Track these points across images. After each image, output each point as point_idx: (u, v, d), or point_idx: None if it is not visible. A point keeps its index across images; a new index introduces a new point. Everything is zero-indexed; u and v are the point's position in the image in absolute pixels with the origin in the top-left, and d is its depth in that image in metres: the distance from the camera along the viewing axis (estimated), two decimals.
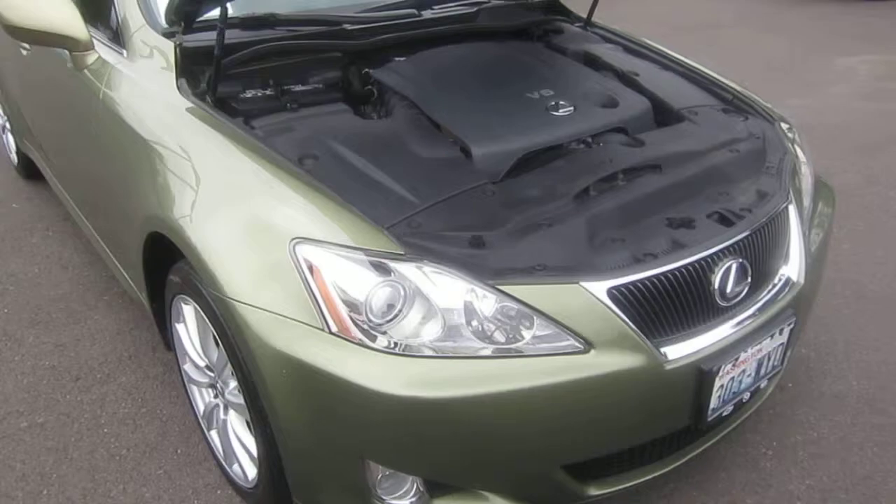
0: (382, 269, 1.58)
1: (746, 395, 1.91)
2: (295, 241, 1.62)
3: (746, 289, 1.85)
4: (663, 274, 1.69)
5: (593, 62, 2.56)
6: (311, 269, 1.59)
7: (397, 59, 2.44)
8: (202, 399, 2.21)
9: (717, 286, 1.77)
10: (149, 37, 2.27)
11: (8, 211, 4.02)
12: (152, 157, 2.03)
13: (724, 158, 2.10)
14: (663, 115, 2.31)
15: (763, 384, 1.96)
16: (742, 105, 2.44)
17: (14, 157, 4.32)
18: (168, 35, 2.21)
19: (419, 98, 2.12)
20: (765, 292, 1.93)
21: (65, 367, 2.75)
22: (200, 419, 2.24)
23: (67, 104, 2.61)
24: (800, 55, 6.87)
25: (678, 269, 1.71)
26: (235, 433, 2.11)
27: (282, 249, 1.62)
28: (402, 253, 1.58)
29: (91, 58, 2.38)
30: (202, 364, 2.12)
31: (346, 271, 1.58)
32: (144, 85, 2.20)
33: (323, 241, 1.61)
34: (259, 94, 2.17)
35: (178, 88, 2.09)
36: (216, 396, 2.14)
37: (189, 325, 2.09)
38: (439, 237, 1.65)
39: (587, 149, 2.09)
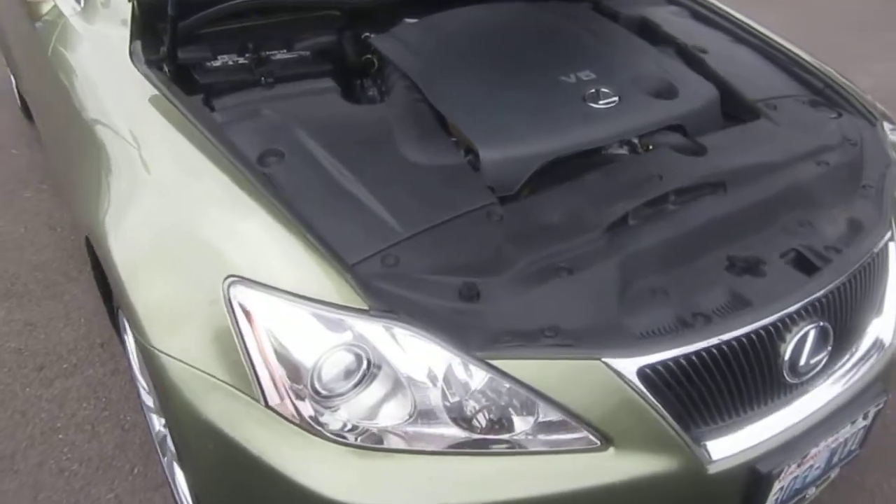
0: (339, 327, 1.20)
1: (812, 490, 1.50)
2: (230, 279, 1.25)
3: (826, 359, 1.42)
4: (716, 346, 1.27)
5: (651, 32, 2.06)
6: (248, 318, 1.22)
7: (408, 20, 2.00)
8: (155, 423, 1.90)
9: (787, 358, 1.35)
10: None
11: (7, 157, 3.74)
12: (93, 139, 1.66)
13: (808, 174, 1.63)
14: (734, 107, 1.83)
15: (834, 473, 1.54)
16: (835, 96, 1.93)
17: (17, 96, 4.03)
18: None
19: (422, 78, 1.68)
20: (848, 359, 1.49)
21: (31, 351, 2.47)
22: (155, 443, 1.94)
23: (28, 58, 2.26)
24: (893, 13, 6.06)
25: (737, 338, 1.29)
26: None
27: (215, 288, 1.25)
28: (367, 308, 1.19)
29: (46, 6, 2.01)
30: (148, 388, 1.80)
31: (292, 326, 1.21)
32: (97, 45, 1.82)
33: (264, 283, 1.23)
34: (230, 63, 1.77)
35: (131, 54, 1.71)
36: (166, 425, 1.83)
37: (131, 345, 1.77)
38: (420, 283, 1.25)
39: (631, 156, 1.64)
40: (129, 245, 1.40)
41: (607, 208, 1.42)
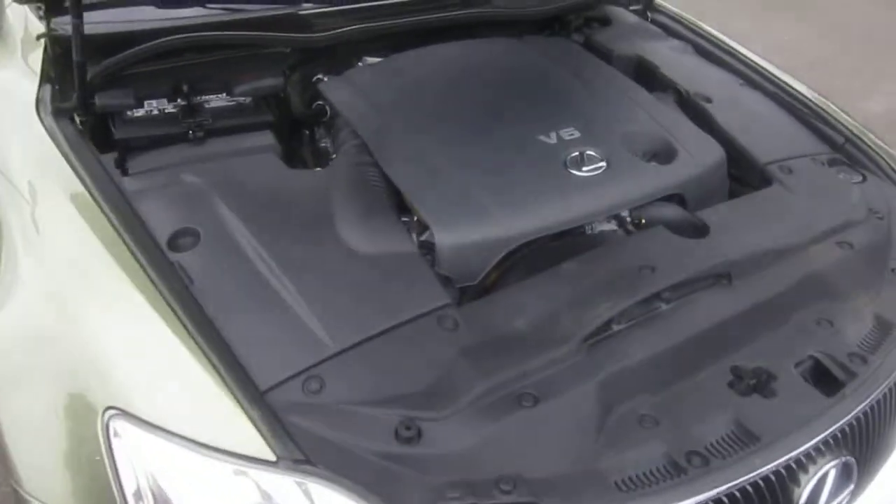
0: (240, 482, 0.95)
1: None
2: (110, 412, 1.00)
3: (847, 500, 1.17)
4: (715, 499, 1.02)
5: (648, 75, 1.81)
6: (128, 463, 0.98)
7: (369, 60, 1.75)
8: None
9: (803, 501, 1.10)
10: (20, 15, 1.63)
11: None
12: None
13: (828, 257, 1.37)
14: (742, 170, 1.58)
15: None
16: (857, 153, 1.68)
17: None
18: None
19: (373, 136, 1.43)
20: (869, 495, 1.24)
21: None
22: None
23: None
24: None
25: (741, 486, 1.04)
26: None
27: (92, 421, 1.01)
28: (275, 459, 0.95)
29: None
30: None
31: (182, 479, 0.96)
32: (5, 87, 1.58)
33: (150, 419, 0.98)
34: (156, 112, 1.52)
35: (38, 102, 1.46)
36: None
37: None
38: (349, 418, 1.00)
39: (618, 239, 1.39)
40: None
41: (586, 311, 1.17)
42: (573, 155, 1.42)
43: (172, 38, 1.51)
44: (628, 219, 1.44)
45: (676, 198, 1.45)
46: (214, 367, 1.01)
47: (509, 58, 1.73)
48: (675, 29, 2.06)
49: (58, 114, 1.45)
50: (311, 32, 1.66)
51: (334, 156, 1.51)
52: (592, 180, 1.38)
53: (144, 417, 0.98)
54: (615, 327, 1.18)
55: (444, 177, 1.34)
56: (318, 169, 1.43)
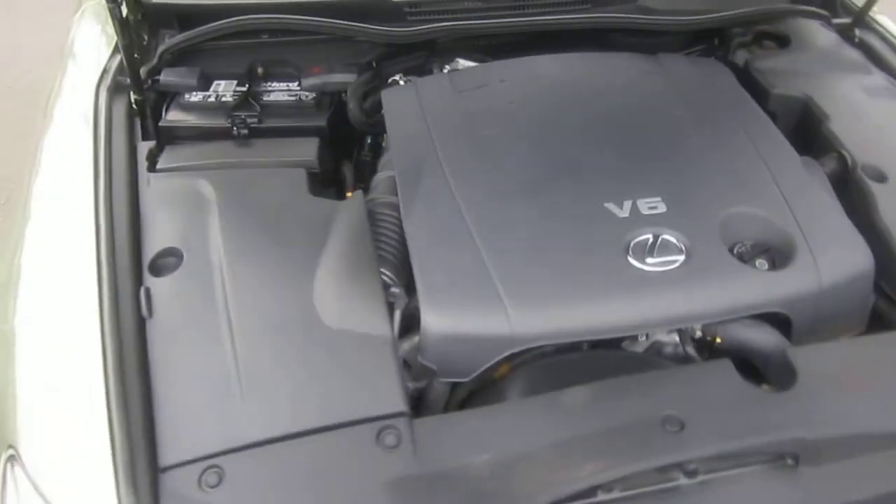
0: None
1: None
2: (9, 451, 0.94)
3: None
4: None
5: (811, 128, 1.38)
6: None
7: (462, 62, 1.51)
8: None
9: None
10: None
11: None
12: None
13: None
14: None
15: None
16: None
17: None
18: None
19: (405, 172, 1.21)
20: None
21: None
22: None
23: None
24: None
25: None
26: None
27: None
28: None
29: None
30: None
31: None
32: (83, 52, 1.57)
33: (31, 472, 0.91)
34: (213, 99, 1.42)
35: (103, 73, 1.43)
36: None
37: None
38: None
39: (666, 363, 1.08)
40: None
41: (569, 466, 0.90)
42: (641, 239, 1.10)
43: (250, 18, 1.39)
44: (697, 333, 1.11)
45: (777, 319, 1.09)
46: (113, 431, 0.91)
47: (621, 83, 1.40)
48: (886, 59, 1.56)
49: (117, 89, 1.41)
50: (403, 25, 1.46)
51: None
52: (657, 277, 1.06)
53: (29, 468, 0.91)
54: (601, 496, 0.90)
55: (463, 242, 1.10)
56: (341, 201, 1.24)
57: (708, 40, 1.61)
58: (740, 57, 1.55)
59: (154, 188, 1.25)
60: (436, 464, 0.91)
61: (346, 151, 1.44)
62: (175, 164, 1.30)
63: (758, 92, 1.45)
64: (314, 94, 1.43)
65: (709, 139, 1.28)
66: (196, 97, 1.42)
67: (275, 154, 1.32)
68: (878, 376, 1.02)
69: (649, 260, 1.08)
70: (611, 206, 1.15)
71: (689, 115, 1.33)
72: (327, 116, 1.39)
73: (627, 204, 1.15)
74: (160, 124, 1.38)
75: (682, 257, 1.09)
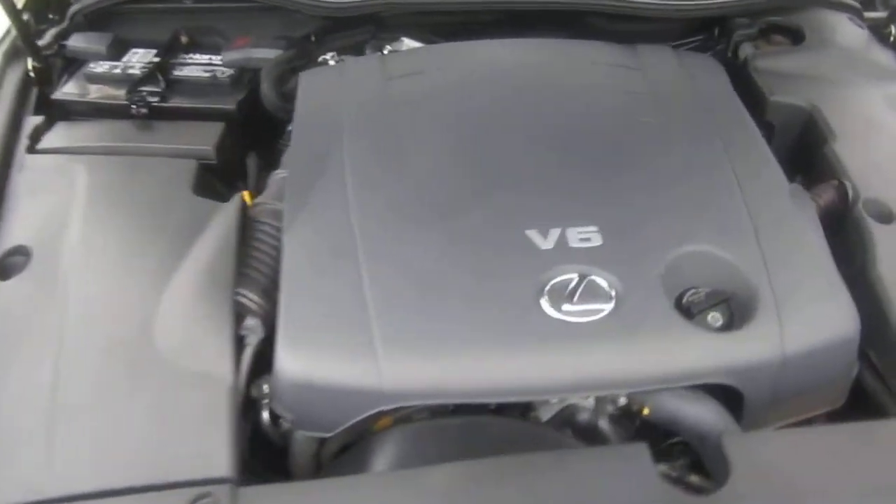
0: None
1: None
2: None
3: None
4: None
5: (810, 147, 1.14)
6: None
7: (407, 42, 1.30)
8: None
9: None
10: None
11: None
12: None
13: None
14: (888, 366, 0.94)
15: None
16: None
17: None
18: None
19: (297, 175, 1.02)
20: None
21: None
22: None
23: None
24: None
25: None
26: None
27: None
28: None
29: None
30: None
31: None
32: None
33: None
34: (119, 71, 1.24)
35: (5, 35, 1.27)
36: None
37: None
38: None
39: (569, 440, 0.87)
40: None
41: None
42: (562, 279, 0.89)
43: None
44: (622, 399, 0.90)
45: (724, 392, 0.88)
46: None
47: (584, 79, 1.17)
48: None
49: (14, 54, 1.25)
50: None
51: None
52: (574, 330, 0.86)
53: None
54: None
55: (347, 268, 0.90)
56: (225, 203, 1.06)
57: (706, 31, 1.36)
58: (744, 52, 1.31)
59: (27, 172, 1.09)
60: None
61: (260, 141, 1.25)
62: (57, 146, 1.14)
63: (755, 98, 1.21)
64: (232, 71, 1.25)
65: (676, 155, 1.05)
66: (102, 67, 1.26)
67: (172, 140, 1.15)
68: (838, 481, 0.80)
69: (567, 307, 0.87)
70: (533, 234, 0.94)
71: (658, 124, 1.10)
72: (239, 99, 1.21)
73: (554, 233, 0.94)
74: (52, 97, 1.22)
75: (609, 306, 0.88)
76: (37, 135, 1.15)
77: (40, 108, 1.21)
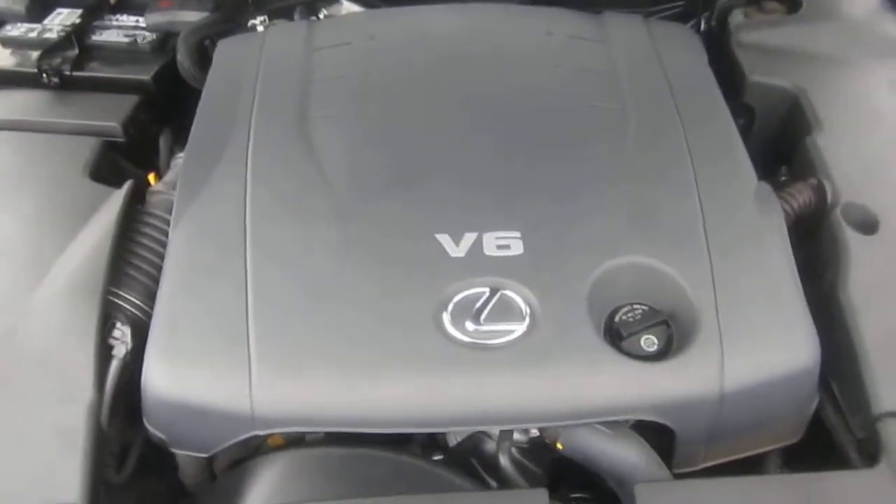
0: None
1: None
2: None
3: None
4: None
5: (791, 138, 0.99)
6: None
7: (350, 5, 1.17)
8: None
9: None
10: None
11: None
12: None
13: None
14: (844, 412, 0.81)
15: None
16: None
17: None
18: None
19: (194, 154, 0.92)
20: None
21: None
22: None
23: None
24: None
25: None
26: None
27: None
28: None
29: None
30: None
31: None
32: None
33: None
34: (36, 35, 1.14)
35: None
36: None
37: None
38: None
39: (461, 481, 0.76)
40: None
41: None
42: (471, 293, 0.78)
43: None
44: (533, 431, 0.79)
45: (654, 430, 0.77)
46: None
47: (532, 52, 1.02)
48: None
49: None
50: None
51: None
52: (477, 354, 0.75)
53: None
54: None
55: (232, 273, 0.81)
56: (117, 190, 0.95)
57: None
58: (733, 22, 1.14)
59: None
60: None
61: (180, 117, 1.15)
62: None
63: (735, 77, 1.06)
64: (154, 37, 1.14)
65: (627, 148, 0.92)
66: (17, 30, 1.16)
67: (78, 114, 1.05)
68: None
69: (472, 327, 0.76)
70: (444, 238, 0.82)
71: (612, 108, 0.96)
72: (155, 69, 1.10)
73: (469, 238, 0.82)
74: None
75: (521, 327, 0.76)
76: None
77: None
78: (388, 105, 0.96)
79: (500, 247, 0.81)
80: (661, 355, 0.78)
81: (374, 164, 0.90)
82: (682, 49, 1.06)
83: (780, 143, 1.02)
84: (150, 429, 0.78)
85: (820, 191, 0.92)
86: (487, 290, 0.79)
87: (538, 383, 0.75)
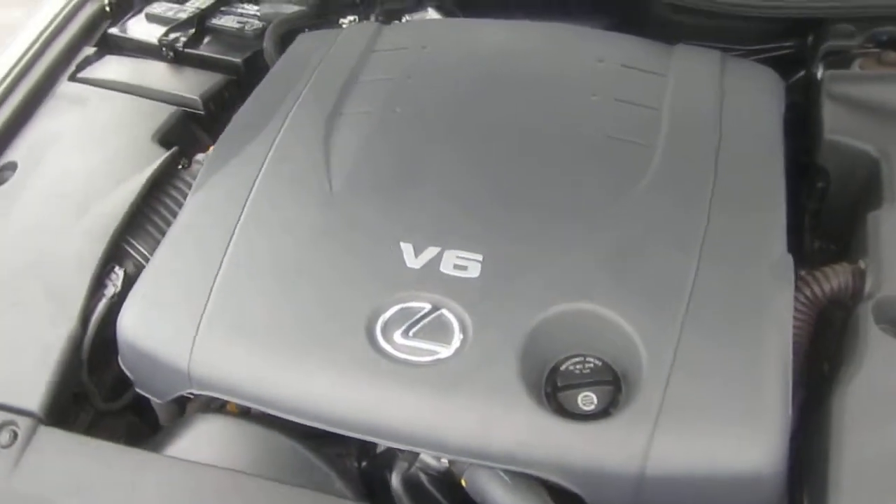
0: None
1: None
2: None
3: None
4: None
5: (866, 208, 0.84)
6: None
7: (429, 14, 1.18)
8: None
9: None
10: None
11: None
12: None
13: None
14: None
15: None
16: None
17: None
18: None
19: (228, 137, 0.99)
20: None
21: None
22: None
23: None
24: None
25: None
26: None
27: None
28: None
29: None
30: None
31: None
32: None
33: None
34: (172, 12, 1.29)
35: None
36: None
37: None
38: None
39: (340, 486, 0.75)
40: None
41: None
42: (413, 306, 0.77)
43: None
44: (443, 460, 0.76)
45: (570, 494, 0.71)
46: None
47: (584, 78, 0.96)
48: None
49: None
50: None
51: None
52: (390, 366, 0.73)
53: None
54: None
55: (218, 242, 0.86)
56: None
57: (798, 36, 1.05)
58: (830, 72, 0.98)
59: (56, 97, 1.20)
60: (33, 487, 0.76)
61: None
62: (90, 77, 1.23)
63: (814, 133, 0.92)
64: (261, 25, 1.24)
65: (638, 189, 0.84)
66: (160, 8, 1.32)
67: (174, 85, 1.18)
68: None
69: (399, 339, 0.75)
70: (407, 247, 0.81)
71: (637, 144, 0.88)
72: (249, 54, 1.20)
73: (431, 252, 0.81)
74: (107, 31, 1.32)
75: (447, 350, 0.74)
76: (83, 65, 1.25)
77: (103, 42, 1.31)
78: (411, 111, 0.96)
79: (457, 266, 0.79)
80: (592, 416, 0.71)
81: (376, 165, 0.91)
82: (755, 93, 0.94)
83: (850, 214, 0.87)
84: (123, 367, 0.87)
85: (858, 279, 0.77)
86: (429, 306, 0.77)
87: (441, 410, 0.72)
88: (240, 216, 0.89)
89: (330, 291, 0.80)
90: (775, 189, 0.84)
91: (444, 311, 0.76)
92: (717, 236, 0.80)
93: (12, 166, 1.09)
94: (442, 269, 0.79)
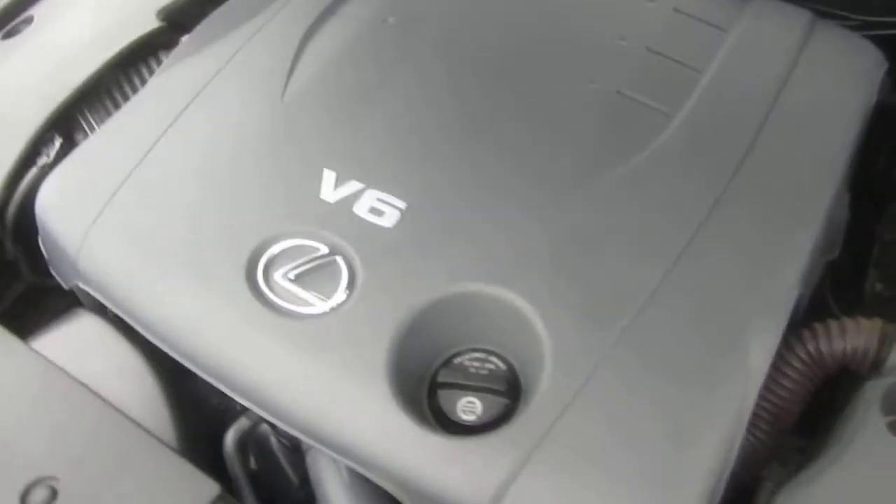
0: None
1: None
2: None
3: None
4: None
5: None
6: None
7: None
8: None
9: None
10: None
11: None
12: None
13: None
14: None
15: None
16: None
17: None
18: None
19: (213, 20, 0.87)
20: None
21: None
22: None
23: None
24: None
25: None
26: None
27: None
28: None
29: None
30: None
31: None
32: None
33: None
34: None
35: None
36: None
37: None
38: None
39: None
40: None
41: None
42: (308, 244, 0.64)
43: None
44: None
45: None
46: None
47: (614, 20, 0.76)
48: None
49: None
50: None
51: None
52: (252, 310, 0.61)
53: None
54: None
55: (151, 129, 0.75)
56: None
57: None
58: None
59: None
60: None
61: None
62: None
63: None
64: None
65: (631, 164, 0.65)
66: None
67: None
68: None
69: (279, 279, 0.63)
70: (330, 175, 0.68)
71: (650, 107, 0.68)
72: None
73: (353, 186, 0.66)
74: None
75: (324, 306, 0.61)
76: None
77: None
78: (404, 24, 0.81)
79: (373, 209, 0.65)
80: (463, 429, 0.56)
81: (339, 77, 0.77)
82: (840, 73, 0.70)
83: None
84: (41, 243, 0.81)
85: (890, 346, 0.55)
86: (326, 248, 0.64)
87: (293, 374, 0.59)
88: (182, 111, 0.79)
89: (230, 210, 0.69)
90: (815, 204, 0.62)
91: (338, 259, 0.63)
92: (705, 247, 0.60)
93: (29, 20, 1.06)
94: (355, 209, 0.65)
